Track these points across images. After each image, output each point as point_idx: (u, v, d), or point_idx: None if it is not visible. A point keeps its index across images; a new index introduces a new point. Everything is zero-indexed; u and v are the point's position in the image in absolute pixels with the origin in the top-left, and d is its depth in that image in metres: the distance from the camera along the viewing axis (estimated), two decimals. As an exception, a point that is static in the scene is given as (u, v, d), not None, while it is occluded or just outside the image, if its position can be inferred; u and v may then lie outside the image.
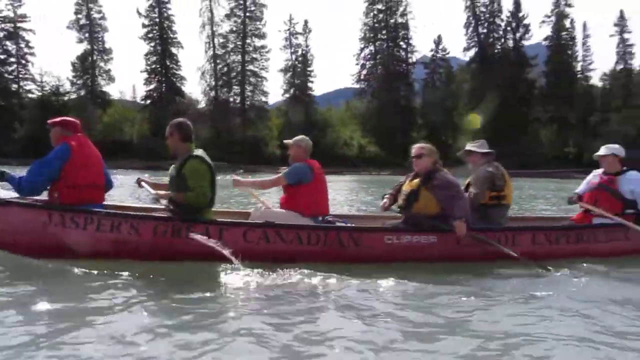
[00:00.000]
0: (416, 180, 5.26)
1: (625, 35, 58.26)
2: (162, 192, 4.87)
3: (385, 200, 5.55)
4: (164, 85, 53.18)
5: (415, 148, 5.37)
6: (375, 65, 55.89)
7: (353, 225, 5.48)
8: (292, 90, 53.88)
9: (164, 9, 53.37)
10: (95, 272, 4.25)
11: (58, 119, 4.94)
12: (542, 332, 3.18)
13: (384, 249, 4.99)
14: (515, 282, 4.55)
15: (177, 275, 4.40)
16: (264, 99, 54.30)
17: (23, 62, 53.38)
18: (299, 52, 53.88)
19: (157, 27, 53.12)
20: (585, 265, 5.18)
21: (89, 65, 52.84)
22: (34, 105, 50.22)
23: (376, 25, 56.56)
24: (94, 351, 2.67)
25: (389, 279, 4.37)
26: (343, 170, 39.55)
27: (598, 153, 6.08)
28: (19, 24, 52.85)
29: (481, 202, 5.57)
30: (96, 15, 53.87)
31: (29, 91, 53.45)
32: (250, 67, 53.30)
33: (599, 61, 71.90)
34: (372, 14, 56.77)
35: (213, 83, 53.38)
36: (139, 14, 53.09)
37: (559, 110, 53.41)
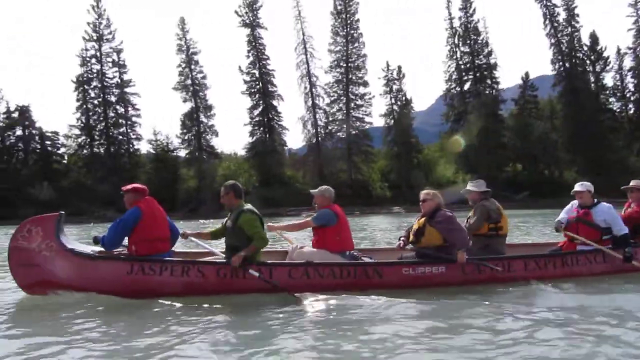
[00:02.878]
0: (422, 219, 6.30)
1: None
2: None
3: (399, 242, 6.63)
4: (267, 136, 55.74)
5: (422, 194, 6.38)
6: (464, 104, 57.73)
7: (375, 260, 6.50)
8: (392, 133, 56.28)
9: (264, 63, 56.49)
10: (176, 306, 5.43)
11: (130, 187, 6.06)
12: (536, 340, 3.98)
13: (403, 279, 6.03)
14: (513, 299, 5.56)
15: (237, 306, 5.45)
16: (368, 143, 56.92)
17: (130, 123, 55.50)
18: (399, 97, 56.40)
19: (259, 82, 55.99)
20: (570, 284, 6.20)
21: (195, 122, 55.18)
22: (151, 162, 53.06)
23: (462, 66, 58.96)
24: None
25: (404, 302, 5.32)
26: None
27: (575, 189, 7.04)
28: (125, 89, 55.11)
29: (478, 232, 6.57)
30: (198, 76, 56.35)
31: (137, 150, 55.72)
32: (354, 113, 56.14)
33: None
34: (455, 56, 59.32)
35: (313, 131, 56.02)
36: (242, 71, 56.26)
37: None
